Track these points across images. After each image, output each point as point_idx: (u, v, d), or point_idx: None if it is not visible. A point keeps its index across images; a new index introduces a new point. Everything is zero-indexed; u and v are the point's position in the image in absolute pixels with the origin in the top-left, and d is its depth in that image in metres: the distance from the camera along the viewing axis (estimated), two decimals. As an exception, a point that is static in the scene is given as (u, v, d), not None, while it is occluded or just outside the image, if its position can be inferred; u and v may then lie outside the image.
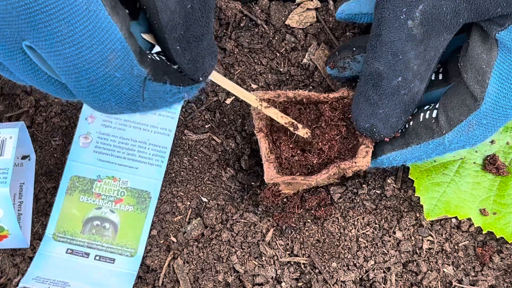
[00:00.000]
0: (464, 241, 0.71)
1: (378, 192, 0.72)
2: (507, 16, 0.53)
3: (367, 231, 0.71)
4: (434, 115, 0.61)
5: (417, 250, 0.71)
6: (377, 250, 0.70)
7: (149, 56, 0.47)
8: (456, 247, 0.71)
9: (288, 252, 0.70)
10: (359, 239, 0.70)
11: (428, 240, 0.71)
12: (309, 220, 0.71)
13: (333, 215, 0.71)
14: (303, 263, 0.70)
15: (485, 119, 0.57)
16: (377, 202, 0.72)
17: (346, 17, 0.69)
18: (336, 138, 0.66)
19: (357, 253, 0.70)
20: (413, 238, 0.71)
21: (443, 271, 0.70)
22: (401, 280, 0.70)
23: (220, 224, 0.71)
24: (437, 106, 0.61)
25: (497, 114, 0.57)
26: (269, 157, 0.64)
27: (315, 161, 0.65)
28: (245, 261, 0.69)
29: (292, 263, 0.70)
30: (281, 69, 0.75)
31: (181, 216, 0.71)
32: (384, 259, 0.70)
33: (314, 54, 0.75)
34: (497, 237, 0.70)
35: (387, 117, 0.61)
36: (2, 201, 0.62)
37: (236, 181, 0.73)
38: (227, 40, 0.76)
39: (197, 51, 0.49)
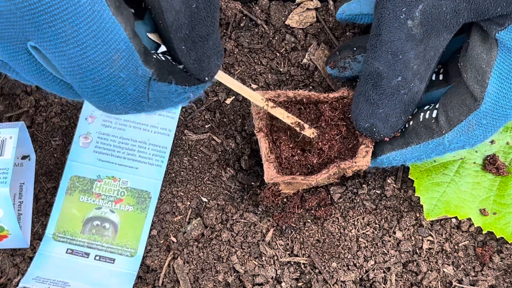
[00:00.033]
0: (464, 241, 0.71)
1: (378, 192, 0.72)
2: (507, 16, 0.53)
3: (367, 231, 0.71)
4: (434, 115, 0.61)
5: (417, 250, 0.71)
6: (377, 250, 0.70)
7: (154, 56, 0.47)
8: (456, 247, 0.71)
9: (288, 252, 0.70)
10: (359, 239, 0.70)
11: (428, 240, 0.71)
12: (309, 220, 0.71)
13: (333, 215, 0.71)
14: (303, 263, 0.70)
15: (485, 119, 0.57)
16: (377, 202, 0.72)
17: (346, 17, 0.69)
18: (336, 138, 0.66)
19: (357, 253, 0.70)
20: (413, 238, 0.71)
21: (443, 271, 0.70)
22: (401, 280, 0.70)
23: (220, 224, 0.71)
24: (437, 106, 0.61)
25: (496, 114, 0.57)
26: (269, 157, 0.64)
27: (315, 161, 0.65)
28: (245, 261, 0.69)
29: (292, 263, 0.70)
30: (281, 69, 0.75)
31: (181, 216, 0.71)
32: (384, 259, 0.70)
33: (314, 54, 0.75)
34: (497, 237, 0.70)
35: (387, 117, 0.61)
36: (2, 201, 0.62)
37: (236, 181, 0.73)
38: (227, 40, 0.76)
39: (202, 51, 0.49)
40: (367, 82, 0.60)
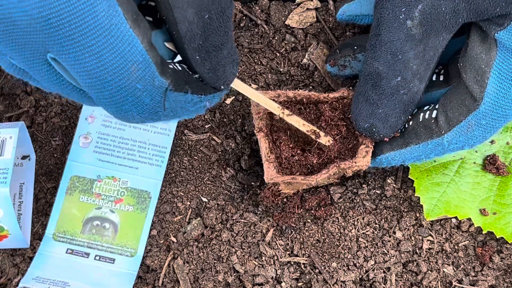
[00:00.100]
0: (464, 241, 0.71)
1: (378, 192, 0.72)
2: (506, 16, 0.53)
3: (367, 231, 0.71)
4: (433, 115, 0.61)
5: (417, 250, 0.71)
6: (377, 250, 0.70)
7: (171, 66, 0.48)
8: (456, 247, 0.71)
9: (288, 252, 0.70)
10: (359, 239, 0.70)
11: (428, 240, 0.71)
12: (309, 220, 0.71)
13: (333, 215, 0.71)
14: (303, 263, 0.70)
15: (484, 120, 0.57)
16: (377, 202, 0.72)
17: (347, 18, 0.69)
18: (336, 138, 0.66)
19: (357, 253, 0.70)
20: (413, 238, 0.71)
21: (443, 271, 0.70)
22: (401, 280, 0.70)
23: (220, 224, 0.71)
24: (437, 107, 0.61)
25: (496, 115, 0.57)
26: (269, 156, 0.64)
27: (315, 161, 0.65)
28: (245, 261, 0.69)
29: (292, 263, 0.70)
30: (281, 69, 0.75)
31: (181, 216, 0.72)
32: (384, 259, 0.70)
33: (314, 53, 0.75)
34: (497, 237, 0.70)
35: (387, 117, 0.61)
36: (2, 201, 0.62)
37: (236, 181, 0.73)
38: (227, 40, 0.76)
39: (217, 60, 0.50)
40: (366, 82, 0.60)
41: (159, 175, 0.72)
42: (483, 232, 0.69)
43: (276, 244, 0.70)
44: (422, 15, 0.55)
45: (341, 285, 0.69)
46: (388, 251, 0.70)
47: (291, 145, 0.66)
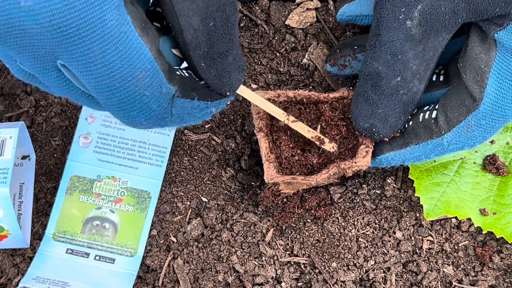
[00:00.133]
0: (464, 241, 0.71)
1: (378, 192, 0.72)
2: (506, 16, 0.53)
3: (367, 231, 0.71)
4: (433, 115, 0.61)
5: (417, 250, 0.71)
6: (377, 250, 0.70)
7: (178, 73, 0.48)
8: (456, 247, 0.71)
9: (288, 252, 0.70)
10: (359, 239, 0.70)
11: (428, 240, 0.71)
12: (309, 220, 0.71)
13: (333, 215, 0.71)
14: (303, 263, 0.70)
15: (484, 120, 0.57)
16: (377, 202, 0.72)
17: (347, 18, 0.69)
18: (336, 138, 0.66)
19: (357, 253, 0.70)
20: (413, 238, 0.71)
21: (443, 271, 0.70)
22: (401, 280, 0.70)
23: (220, 224, 0.71)
24: (437, 107, 0.61)
25: (496, 115, 0.57)
26: (269, 156, 0.64)
27: (315, 161, 0.65)
28: (245, 261, 0.69)
29: (292, 263, 0.70)
30: (281, 69, 0.75)
31: (181, 216, 0.72)
32: (384, 259, 0.70)
33: (314, 53, 0.75)
34: (497, 237, 0.70)
35: (387, 117, 0.61)
36: (2, 201, 0.62)
37: (236, 181, 0.73)
38: (227, 40, 0.76)
39: (222, 67, 0.51)
40: (366, 83, 0.60)
41: (159, 175, 0.72)
42: (483, 232, 0.69)
43: (276, 244, 0.70)
44: (422, 15, 0.55)
45: (341, 285, 0.69)
46: (388, 251, 0.70)
47: (291, 145, 0.66)
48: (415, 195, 0.69)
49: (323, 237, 0.70)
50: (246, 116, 0.74)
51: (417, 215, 0.71)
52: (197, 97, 0.50)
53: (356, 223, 0.71)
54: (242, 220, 0.71)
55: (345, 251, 0.70)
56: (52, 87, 0.49)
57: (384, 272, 0.70)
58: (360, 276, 0.69)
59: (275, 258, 0.70)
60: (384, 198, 0.72)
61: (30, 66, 0.46)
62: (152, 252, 0.70)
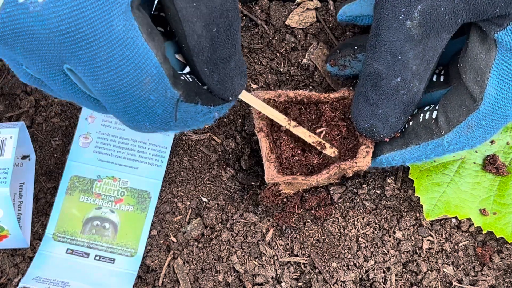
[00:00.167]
0: (464, 241, 0.71)
1: (378, 192, 0.72)
2: (506, 16, 0.53)
3: (367, 231, 0.71)
4: (434, 115, 0.61)
5: (417, 250, 0.71)
6: (377, 250, 0.70)
7: (182, 78, 0.49)
8: (456, 247, 0.71)
9: (288, 252, 0.70)
10: (359, 239, 0.70)
11: (428, 240, 0.71)
12: (309, 220, 0.71)
13: (333, 215, 0.71)
14: (303, 263, 0.70)
15: (484, 120, 0.57)
16: (377, 202, 0.72)
17: (347, 19, 0.69)
18: (337, 138, 0.66)
19: (357, 253, 0.70)
20: (413, 238, 0.71)
21: (443, 271, 0.70)
22: (401, 280, 0.70)
23: (220, 224, 0.71)
24: (437, 107, 0.61)
25: (496, 115, 0.57)
26: (269, 157, 0.64)
27: (315, 161, 0.65)
28: (245, 261, 0.69)
29: (292, 263, 0.70)
30: (281, 69, 0.75)
31: (181, 216, 0.72)
32: (384, 259, 0.70)
33: (314, 53, 0.75)
34: (497, 237, 0.70)
35: (387, 117, 0.61)
36: (2, 201, 0.62)
37: (236, 181, 0.73)
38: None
39: (224, 72, 0.52)
40: (366, 83, 0.60)
41: (159, 175, 0.72)
42: (483, 232, 0.69)
43: (276, 244, 0.70)
44: (422, 16, 0.55)
45: (341, 285, 0.69)
46: (388, 251, 0.70)
47: (291, 145, 0.66)
48: (415, 195, 0.69)
49: (323, 237, 0.70)
50: (246, 116, 0.74)
51: (417, 215, 0.71)
52: (200, 101, 0.51)
53: (356, 223, 0.71)
54: (242, 220, 0.71)
55: (345, 251, 0.70)
56: (58, 90, 0.49)
57: (384, 272, 0.70)
58: (360, 276, 0.69)
59: (275, 258, 0.70)
60: (384, 198, 0.72)
61: (37, 70, 0.47)
62: (152, 252, 0.70)
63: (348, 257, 0.70)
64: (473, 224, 0.71)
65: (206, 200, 0.72)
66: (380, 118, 0.61)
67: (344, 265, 0.69)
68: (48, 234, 0.70)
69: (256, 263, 0.69)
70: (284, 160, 0.65)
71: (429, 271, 0.70)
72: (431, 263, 0.70)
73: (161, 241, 0.71)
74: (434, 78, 0.64)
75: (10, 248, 0.70)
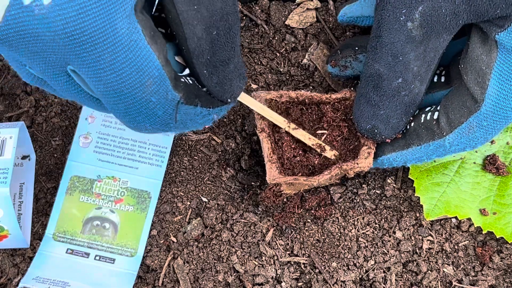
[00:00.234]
0: (464, 241, 0.71)
1: (378, 192, 0.72)
2: (507, 17, 0.53)
3: (367, 231, 0.71)
4: (435, 116, 0.61)
5: (417, 250, 0.71)
6: (377, 250, 0.70)
7: (182, 80, 0.50)
8: (456, 247, 0.71)
9: (288, 252, 0.70)
10: (359, 239, 0.70)
11: (428, 240, 0.71)
12: (309, 220, 0.71)
13: (333, 215, 0.71)
14: (303, 263, 0.70)
15: (486, 121, 0.57)
16: (377, 202, 0.72)
17: (348, 19, 0.69)
18: (338, 139, 0.66)
19: (357, 253, 0.70)
20: (413, 238, 0.71)
21: (443, 271, 0.70)
22: (401, 280, 0.70)
23: (220, 224, 0.71)
24: (438, 108, 0.61)
25: (497, 116, 0.57)
26: (271, 157, 0.64)
27: (316, 162, 0.65)
28: (245, 261, 0.69)
29: (292, 263, 0.70)
30: (281, 69, 0.75)
31: (181, 216, 0.72)
32: (384, 259, 0.70)
33: (314, 54, 0.75)
34: (497, 237, 0.70)
35: (388, 118, 0.61)
36: (2, 201, 0.62)
37: (236, 181, 0.73)
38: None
39: (224, 74, 0.52)
40: (368, 84, 0.60)
41: (159, 175, 0.72)
42: (483, 232, 0.70)
43: (276, 244, 0.70)
44: (423, 17, 0.55)
45: (341, 285, 0.69)
46: (388, 251, 0.70)
47: (293, 146, 0.66)
48: (415, 195, 0.69)
49: (323, 237, 0.70)
50: (246, 116, 0.74)
51: (417, 215, 0.71)
52: (200, 104, 0.52)
53: (356, 223, 0.71)
54: (242, 220, 0.71)
55: (345, 251, 0.70)
56: (60, 91, 0.50)
57: (384, 272, 0.70)
58: (360, 276, 0.69)
59: (275, 258, 0.70)
60: (384, 198, 0.72)
61: (40, 71, 0.47)
62: (152, 252, 0.70)
63: (348, 257, 0.70)
64: (473, 224, 0.71)
65: (206, 200, 0.72)
66: (381, 119, 0.61)
67: (344, 265, 0.69)
68: (48, 234, 0.70)
69: (256, 263, 0.69)
70: (286, 161, 0.65)
71: (429, 271, 0.70)
72: (431, 263, 0.70)
73: (161, 241, 0.71)
74: (435, 79, 0.64)
75: (10, 248, 0.70)
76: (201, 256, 0.70)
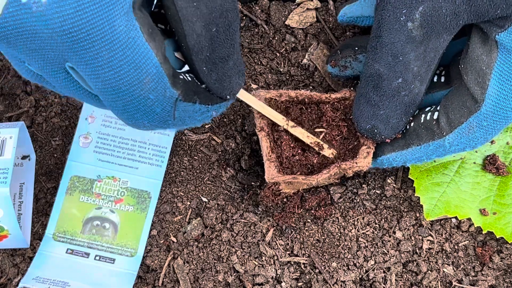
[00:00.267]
0: (464, 241, 0.71)
1: (378, 192, 0.72)
2: (507, 18, 0.53)
3: (367, 231, 0.71)
4: (435, 116, 0.61)
5: (417, 250, 0.71)
6: (377, 250, 0.70)
7: (181, 77, 0.50)
8: (456, 247, 0.71)
9: (288, 252, 0.70)
10: (359, 239, 0.70)
11: (428, 240, 0.71)
12: (309, 220, 0.71)
13: (333, 215, 0.71)
14: (303, 263, 0.70)
15: (486, 121, 0.57)
16: (377, 202, 0.72)
17: (348, 20, 0.69)
18: (337, 139, 0.66)
19: (357, 253, 0.70)
20: (413, 238, 0.71)
21: (443, 271, 0.70)
22: (401, 280, 0.70)
23: (220, 224, 0.71)
24: (438, 108, 0.61)
25: (497, 116, 0.57)
26: (270, 156, 0.64)
27: (315, 161, 0.65)
28: (245, 261, 0.69)
29: (292, 263, 0.70)
30: (281, 69, 0.75)
31: (181, 216, 0.72)
32: (384, 259, 0.70)
33: (314, 54, 0.75)
34: (497, 237, 0.70)
35: (388, 118, 0.61)
36: (2, 201, 0.62)
37: (236, 181, 0.73)
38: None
39: (223, 71, 0.52)
40: (367, 84, 0.60)
41: (159, 175, 0.72)
42: (483, 232, 0.70)
43: (276, 244, 0.70)
44: (423, 17, 0.55)
45: (341, 285, 0.69)
46: (388, 251, 0.70)
47: (292, 145, 0.66)
48: (415, 195, 0.69)
49: (323, 237, 0.70)
50: (246, 116, 0.74)
51: (417, 215, 0.71)
52: (198, 100, 0.52)
53: (356, 223, 0.71)
54: (242, 220, 0.71)
55: (345, 251, 0.70)
56: (59, 87, 0.50)
57: (384, 272, 0.70)
58: (360, 276, 0.69)
59: (275, 258, 0.70)
60: (384, 198, 0.72)
61: (39, 68, 0.47)
62: (152, 252, 0.70)
63: (348, 257, 0.70)
64: (473, 224, 0.71)
65: (206, 200, 0.72)
66: (381, 119, 0.61)
67: (344, 265, 0.69)
68: (48, 234, 0.70)
69: (256, 263, 0.69)
70: (285, 160, 0.65)
71: (429, 271, 0.70)
72: (431, 263, 0.70)
73: (161, 241, 0.71)
74: (435, 79, 0.64)
75: (10, 248, 0.70)
76: (201, 256, 0.70)
